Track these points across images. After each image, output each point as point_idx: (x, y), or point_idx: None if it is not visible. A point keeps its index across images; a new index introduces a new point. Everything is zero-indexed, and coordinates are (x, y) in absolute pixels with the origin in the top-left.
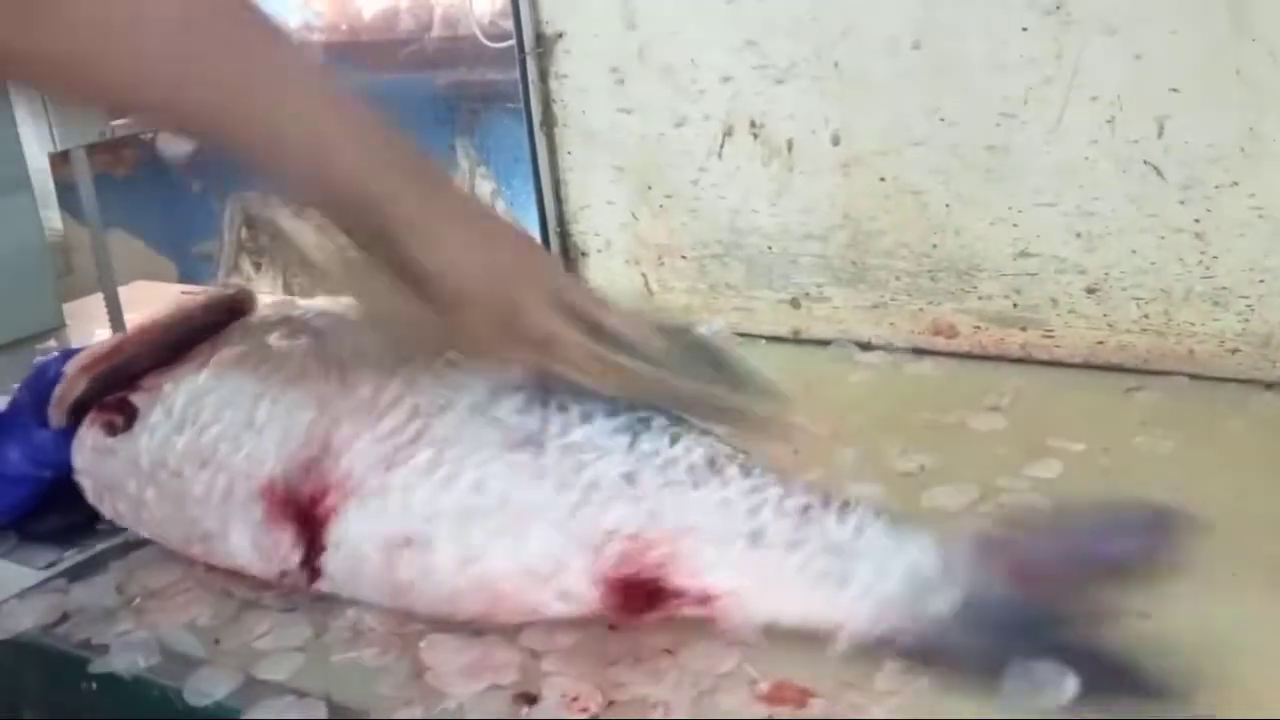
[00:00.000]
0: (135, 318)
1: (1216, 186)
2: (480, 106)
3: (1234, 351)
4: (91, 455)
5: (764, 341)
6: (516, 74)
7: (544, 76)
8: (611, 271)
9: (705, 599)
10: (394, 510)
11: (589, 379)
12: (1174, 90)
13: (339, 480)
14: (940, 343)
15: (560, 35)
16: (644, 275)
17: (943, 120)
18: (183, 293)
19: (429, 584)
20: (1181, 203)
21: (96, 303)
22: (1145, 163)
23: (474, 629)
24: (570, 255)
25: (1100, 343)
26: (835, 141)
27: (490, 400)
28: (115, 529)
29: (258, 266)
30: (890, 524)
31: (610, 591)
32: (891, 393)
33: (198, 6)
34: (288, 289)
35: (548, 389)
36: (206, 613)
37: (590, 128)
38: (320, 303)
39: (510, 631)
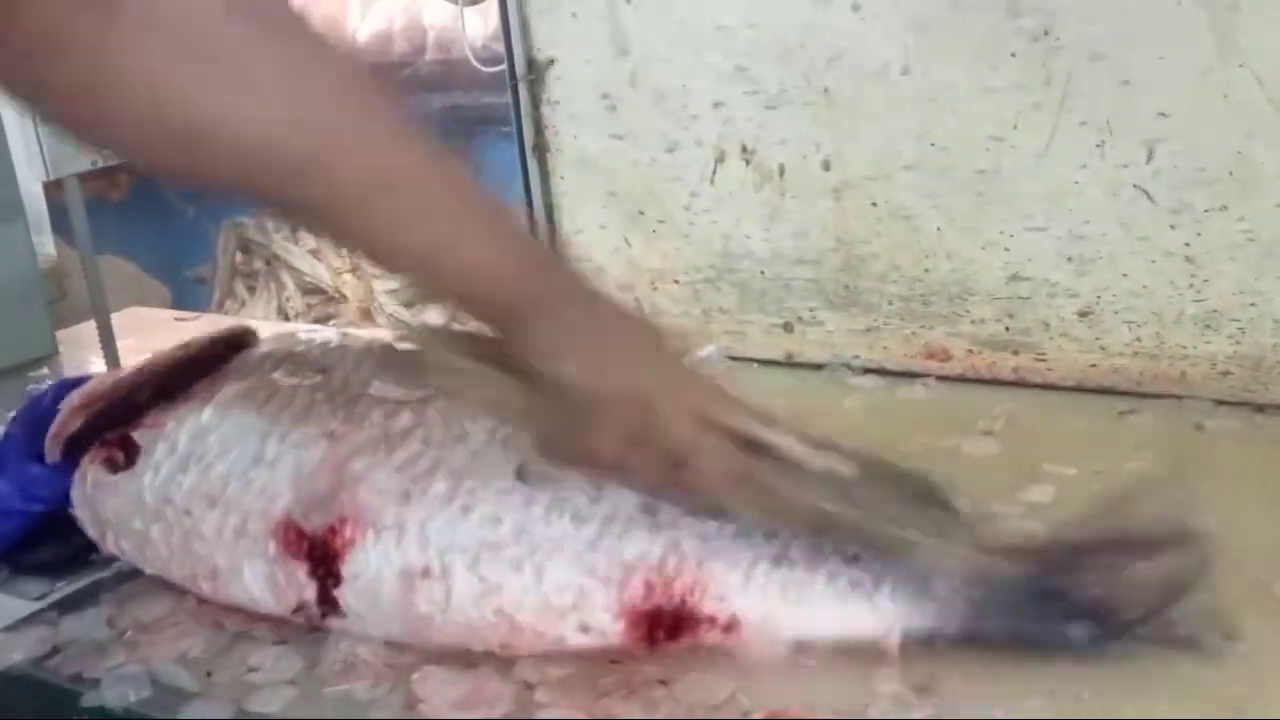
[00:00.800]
0: (128, 344)
1: (1206, 210)
2: (473, 130)
3: (1226, 374)
4: (93, 491)
5: (757, 365)
6: (508, 99)
7: (536, 103)
8: None
9: (731, 625)
10: (411, 543)
11: (729, 498)
12: (1163, 115)
13: (355, 513)
14: (933, 366)
15: (552, 61)
16: (637, 300)
17: (933, 145)
18: (176, 319)
19: (448, 616)
20: (1172, 227)
21: (90, 329)
22: (1135, 187)
23: (467, 661)
24: None
25: (1093, 366)
26: (826, 166)
27: (504, 432)
28: (108, 561)
29: (252, 290)
30: (900, 531)
31: (634, 624)
32: (885, 417)
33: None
34: (282, 313)
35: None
36: (198, 645)
37: (583, 153)
38: (322, 334)
39: (503, 663)
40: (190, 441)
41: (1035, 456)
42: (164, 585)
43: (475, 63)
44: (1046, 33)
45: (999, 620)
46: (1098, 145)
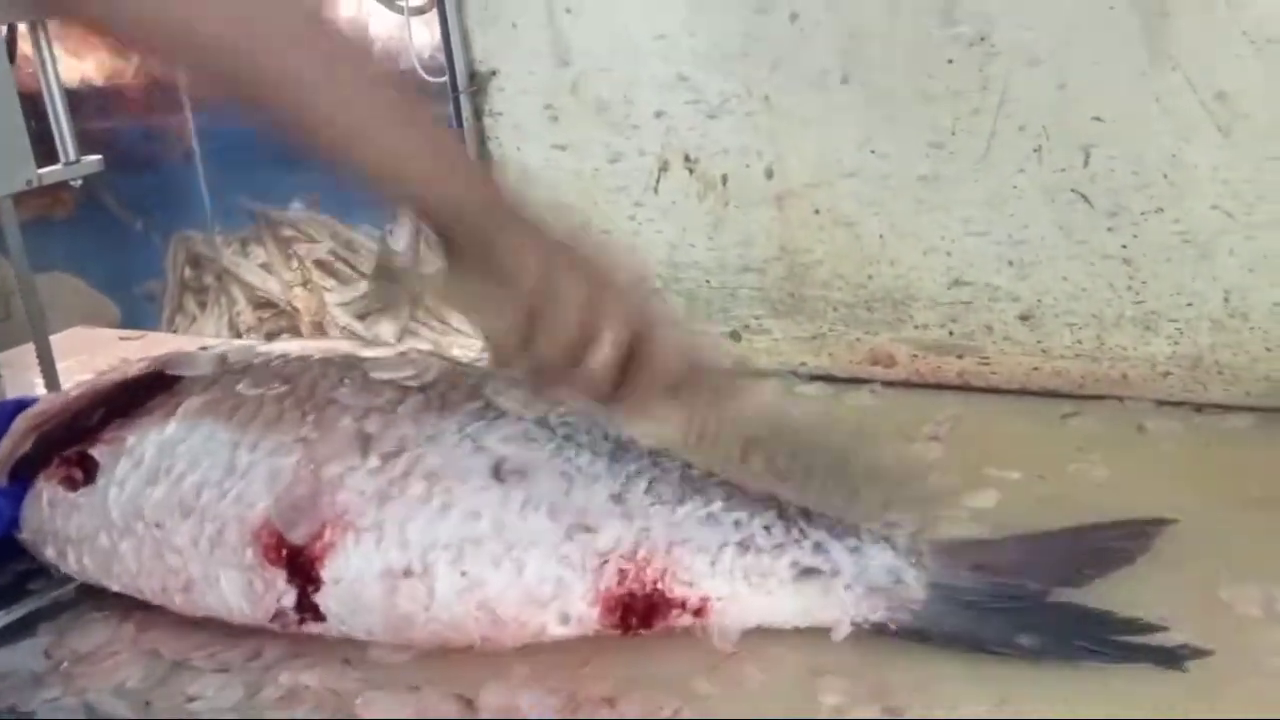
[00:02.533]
0: (70, 365)
1: (1142, 213)
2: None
3: (1165, 375)
4: (50, 510)
5: None
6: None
7: (478, 114)
8: None
9: (701, 607)
10: (391, 543)
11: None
12: (1098, 119)
13: (333, 517)
14: (879, 372)
15: (494, 73)
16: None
17: (873, 152)
18: (120, 338)
19: (431, 614)
20: (1109, 229)
21: (32, 351)
22: (1073, 190)
23: (409, 684)
24: None
25: (1035, 369)
26: (769, 175)
27: (475, 429)
28: (46, 589)
29: (203, 305)
30: (859, 522)
31: (610, 610)
32: (833, 424)
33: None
34: (234, 328)
35: (542, 420)
36: (136, 674)
37: (526, 164)
38: (282, 346)
39: (446, 684)
40: (157, 454)
41: (980, 460)
42: (102, 614)
43: (423, 73)
44: (983, 39)
45: (951, 621)
46: (1035, 150)
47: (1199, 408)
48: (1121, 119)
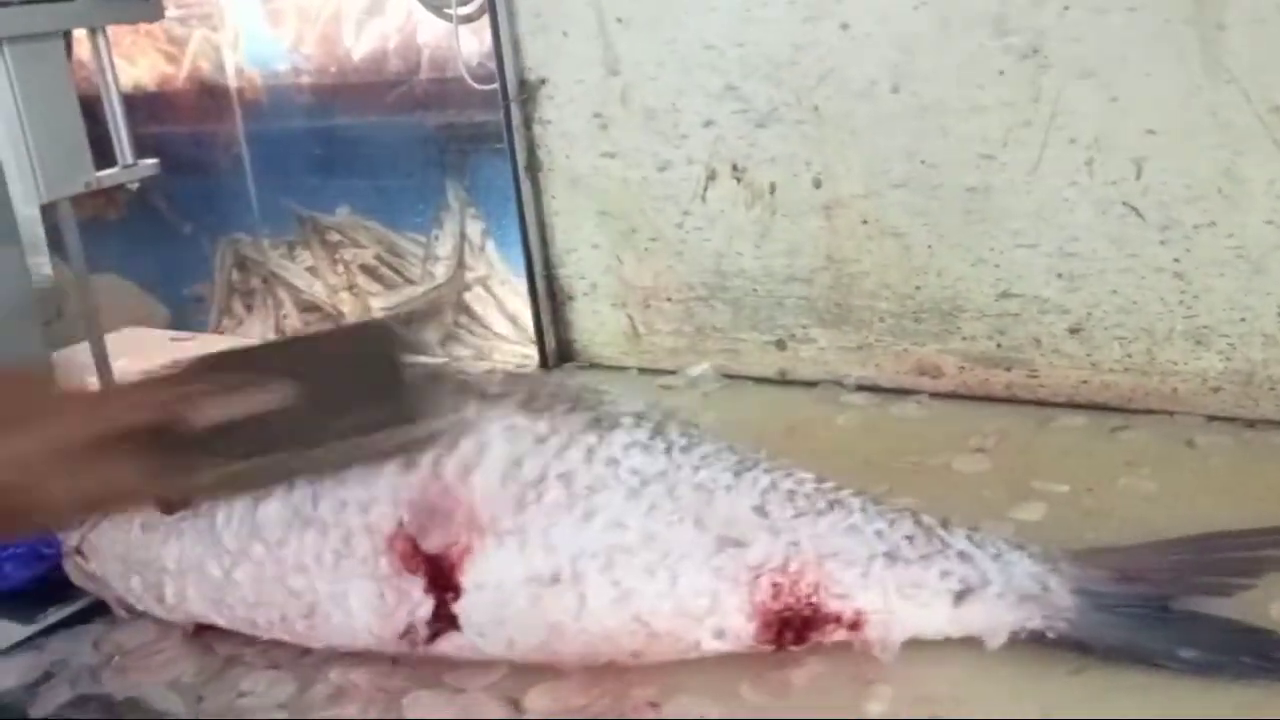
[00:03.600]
0: (124, 365)
1: (1195, 226)
2: (469, 148)
3: (1216, 390)
4: (141, 537)
5: (751, 383)
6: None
7: (528, 122)
8: (598, 315)
9: (856, 621)
10: (536, 548)
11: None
12: (1150, 132)
13: (467, 521)
14: (925, 383)
15: (543, 81)
16: (630, 318)
17: (923, 163)
18: (172, 339)
19: (581, 624)
20: (1161, 243)
21: (86, 350)
22: (1124, 204)
23: (455, 686)
24: (557, 299)
25: (1084, 382)
26: (817, 184)
27: (597, 440)
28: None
29: (249, 308)
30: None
31: (767, 625)
32: (878, 435)
33: None
34: (279, 330)
35: (659, 431)
36: (189, 670)
37: (575, 172)
38: None
39: (492, 685)
40: None
41: (1027, 474)
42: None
43: (470, 81)
44: (1035, 51)
45: (1110, 632)
46: (1087, 162)
47: (1250, 423)
48: (1174, 132)
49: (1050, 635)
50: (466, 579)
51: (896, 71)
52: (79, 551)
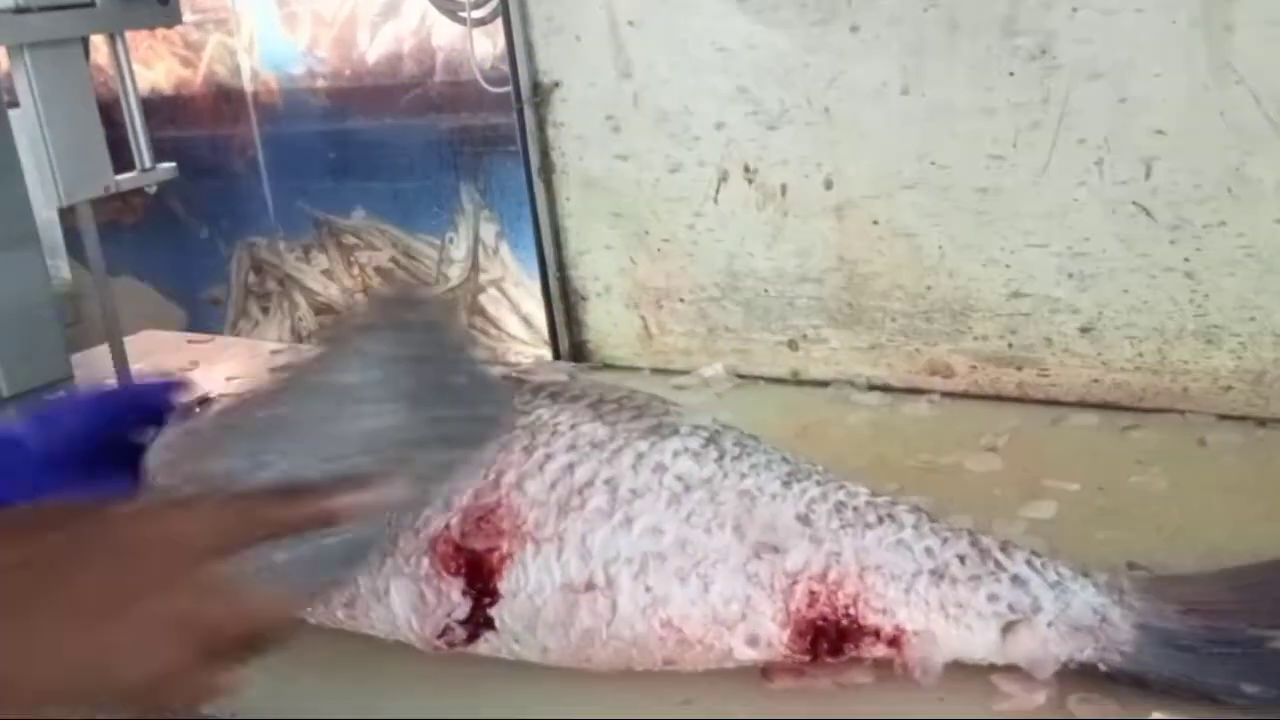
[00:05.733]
0: (140, 367)
1: (1205, 226)
2: (484, 150)
3: (1228, 389)
4: None
5: (763, 383)
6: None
7: (542, 125)
8: (611, 315)
9: (896, 638)
10: (573, 554)
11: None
12: (1160, 132)
13: (512, 526)
14: (937, 382)
15: (557, 84)
16: (643, 318)
17: (933, 164)
18: (189, 341)
19: (613, 629)
20: (1171, 242)
21: (104, 353)
22: (1134, 204)
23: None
24: (571, 300)
25: (1095, 381)
26: (828, 186)
27: (651, 445)
28: None
29: (265, 311)
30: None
31: (801, 634)
32: (890, 434)
33: None
34: (295, 333)
35: (714, 439)
36: None
37: (588, 174)
38: None
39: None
40: None
41: (1038, 472)
42: None
43: (484, 83)
44: (1044, 52)
45: (1169, 666)
46: (1096, 163)
47: (1261, 422)
48: (1184, 132)
49: (1103, 668)
50: (503, 584)
51: (906, 73)
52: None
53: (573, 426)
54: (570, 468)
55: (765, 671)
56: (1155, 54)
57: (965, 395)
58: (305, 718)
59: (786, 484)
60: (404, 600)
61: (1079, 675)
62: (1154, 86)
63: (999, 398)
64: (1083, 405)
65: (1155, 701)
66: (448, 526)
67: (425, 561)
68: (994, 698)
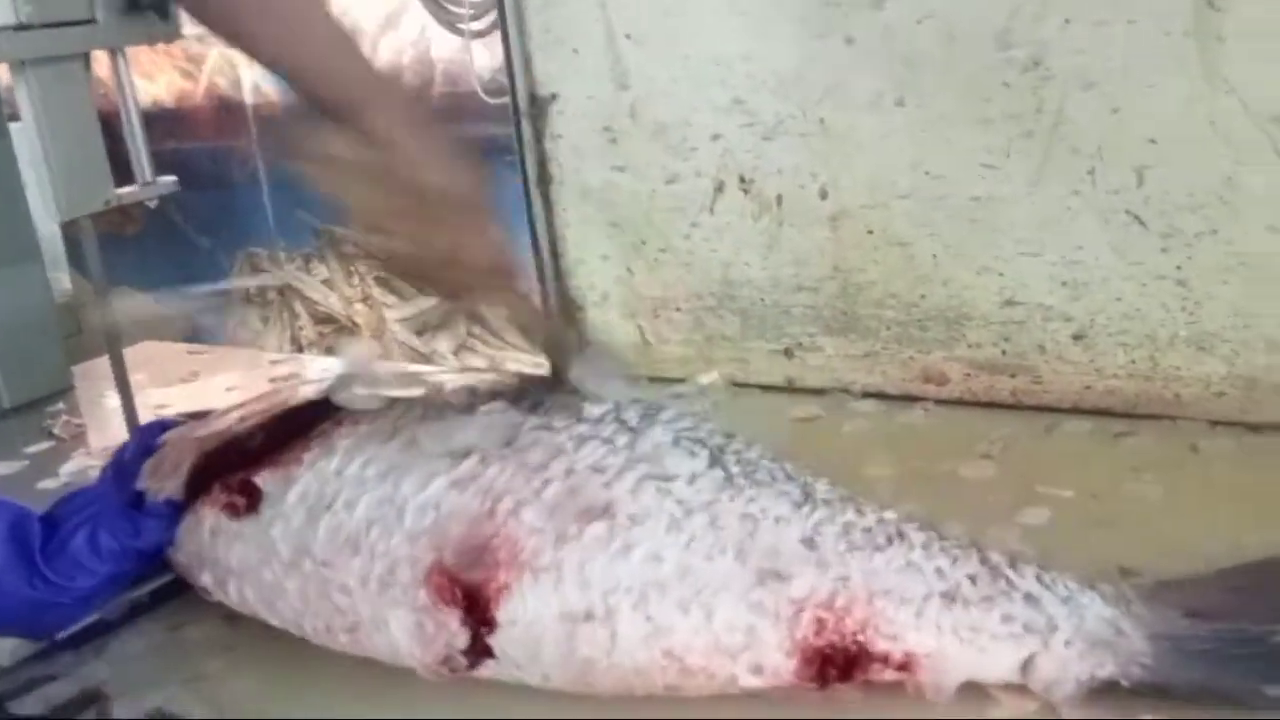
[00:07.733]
0: (141, 378)
1: (1197, 234)
2: (482, 161)
3: (1220, 395)
4: (210, 538)
5: (759, 391)
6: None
7: (539, 137)
8: (609, 324)
9: (906, 664)
10: (571, 584)
11: None
12: (1152, 142)
13: (509, 556)
14: (931, 390)
15: (554, 96)
16: (640, 327)
17: (927, 174)
18: (189, 352)
19: (613, 660)
20: (1163, 250)
21: (105, 364)
22: (1126, 212)
23: None
24: (568, 309)
25: (1088, 388)
26: (823, 195)
27: (652, 469)
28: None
29: (265, 320)
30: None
31: (808, 662)
32: (885, 441)
33: None
34: (295, 343)
35: (717, 458)
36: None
37: (585, 185)
38: (449, 378)
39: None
40: (323, 487)
41: (1032, 479)
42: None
43: (483, 95)
44: (1037, 63)
45: (1189, 674)
46: (1089, 172)
47: (1253, 428)
48: (1175, 141)
49: (1125, 684)
50: (501, 614)
51: (901, 85)
52: (171, 541)
53: (573, 448)
54: (569, 493)
55: None
56: (1148, 64)
57: (959, 402)
58: (305, 717)
59: (792, 505)
60: (404, 629)
61: (1104, 689)
62: (1146, 97)
63: (993, 405)
64: (1076, 412)
65: (1152, 705)
66: (441, 559)
67: (422, 593)
68: (986, 703)
